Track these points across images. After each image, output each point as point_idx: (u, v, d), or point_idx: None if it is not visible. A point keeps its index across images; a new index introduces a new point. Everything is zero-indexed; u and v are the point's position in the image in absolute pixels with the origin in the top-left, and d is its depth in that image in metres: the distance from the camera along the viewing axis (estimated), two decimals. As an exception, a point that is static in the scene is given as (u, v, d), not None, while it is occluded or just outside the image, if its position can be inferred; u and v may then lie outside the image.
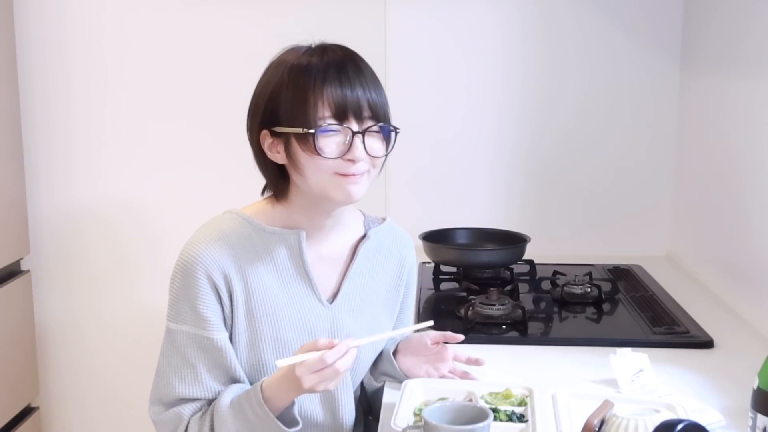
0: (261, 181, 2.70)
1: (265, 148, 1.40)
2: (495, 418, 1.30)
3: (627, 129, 2.52)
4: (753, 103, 1.95)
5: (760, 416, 1.18)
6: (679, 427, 1.10)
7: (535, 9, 2.48)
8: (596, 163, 2.54)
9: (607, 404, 1.23)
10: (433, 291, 2.16)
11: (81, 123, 2.53)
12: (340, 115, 1.34)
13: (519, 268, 2.25)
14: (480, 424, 1.19)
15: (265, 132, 1.39)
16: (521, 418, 1.34)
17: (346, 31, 2.48)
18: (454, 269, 2.25)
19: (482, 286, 2.10)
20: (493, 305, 1.87)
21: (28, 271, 2.54)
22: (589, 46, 2.49)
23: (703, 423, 1.15)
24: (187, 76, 2.51)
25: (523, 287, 2.13)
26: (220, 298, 1.38)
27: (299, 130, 1.34)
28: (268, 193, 1.48)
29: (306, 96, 1.34)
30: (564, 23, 2.49)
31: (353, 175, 1.36)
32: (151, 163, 2.55)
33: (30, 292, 2.55)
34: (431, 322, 1.44)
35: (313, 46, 1.41)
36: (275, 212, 1.46)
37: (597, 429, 1.18)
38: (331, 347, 1.27)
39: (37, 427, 2.58)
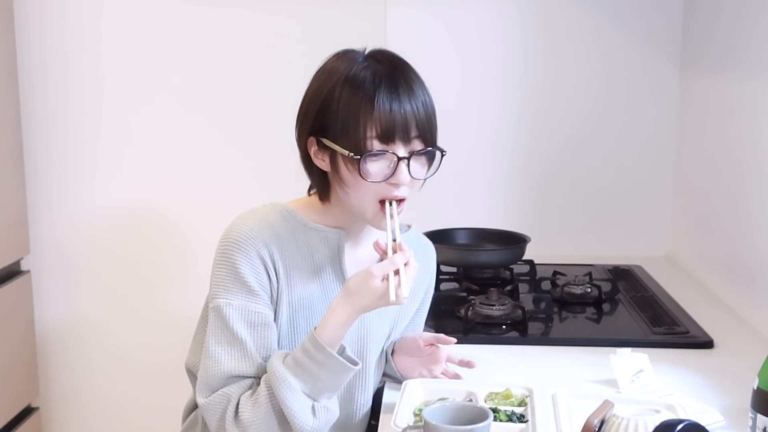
0: (265, 183, 2.69)
1: (312, 154, 1.40)
2: (495, 418, 1.30)
3: (627, 129, 2.52)
4: (754, 104, 1.95)
5: (760, 416, 1.18)
6: (679, 427, 1.10)
7: (534, 9, 2.48)
8: (596, 163, 2.54)
9: (607, 404, 1.24)
10: (434, 291, 2.15)
11: (81, 123, 2.52)
12: (387, 137, 1.34)
13: (519, 268, 2.25)
14: (480, 424, 1.19)
15: (312, 139, 1.39)
16: (521, 418, 1.34)
17: (346, 31, 2.49)
18: (454, 269, 2.25)
19: (482, 286, 2.10)
20: (493, 305, 1.87)
21: (28, 271, 2.53)
22: (589, 46, 2.49)
23: (703, 423, 1.15)
24: (186, 77, 2.51)
25: (523, 287, 2.13)
26: (268, 275, 1.38)
27: (346, 152, 1.34)
28: (313, 191, 1.48)
29: (356, 116, 1.33)
30: (563, 24, 2.48)
31: (394, 198, 1.38)
32: (151, 164, 2.54)
33: (30, 292, 2.54)
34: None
35: (365, 52, 1.40)
36: (321, 209, 1.46)
37: (597, 429, 1.19)
38: None
39: (37, 427, 2.57)
